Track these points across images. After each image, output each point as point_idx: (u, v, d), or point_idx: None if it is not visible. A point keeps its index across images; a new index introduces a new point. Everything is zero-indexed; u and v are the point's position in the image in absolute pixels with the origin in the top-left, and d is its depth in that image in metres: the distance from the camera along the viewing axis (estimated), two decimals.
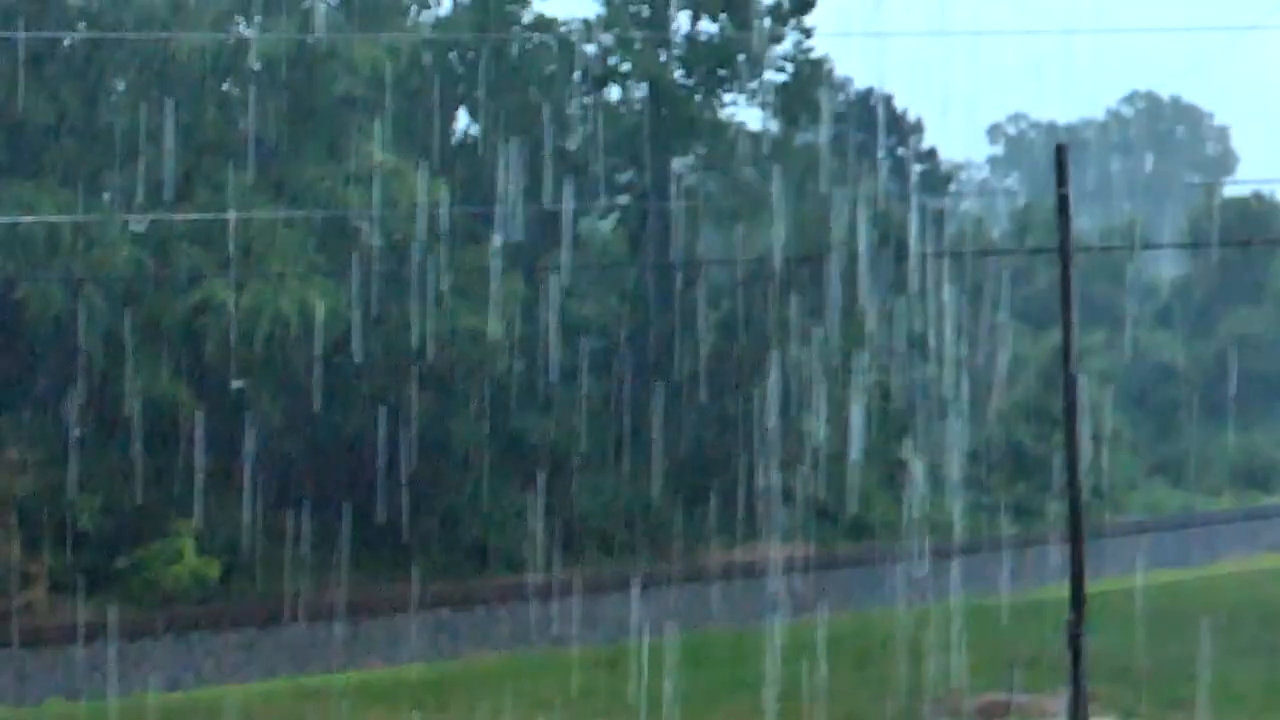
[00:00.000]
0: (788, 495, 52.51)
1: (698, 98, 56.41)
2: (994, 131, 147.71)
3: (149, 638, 39.22)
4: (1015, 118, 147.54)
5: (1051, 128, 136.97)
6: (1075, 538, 22.01)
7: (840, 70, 74.11)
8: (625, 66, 56.20)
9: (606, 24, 55.80)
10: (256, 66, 45.88)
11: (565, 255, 48.75)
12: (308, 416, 45.45)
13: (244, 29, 47.41)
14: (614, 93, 57.08)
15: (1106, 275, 78.42)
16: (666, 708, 30.67)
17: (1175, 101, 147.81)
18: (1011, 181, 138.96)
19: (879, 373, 57.44)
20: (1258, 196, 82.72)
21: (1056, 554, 36.20)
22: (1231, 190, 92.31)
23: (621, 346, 54.29)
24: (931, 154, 75.16)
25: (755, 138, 57.49)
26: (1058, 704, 25.32)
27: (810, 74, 57.99)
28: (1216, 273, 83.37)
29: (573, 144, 53.81)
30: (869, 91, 73.78)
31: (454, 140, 53.66)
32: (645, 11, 56.59)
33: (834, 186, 54.32)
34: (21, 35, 41.32)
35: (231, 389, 44.85)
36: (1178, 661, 33.77)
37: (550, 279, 48.89)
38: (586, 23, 55.52)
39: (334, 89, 46.75)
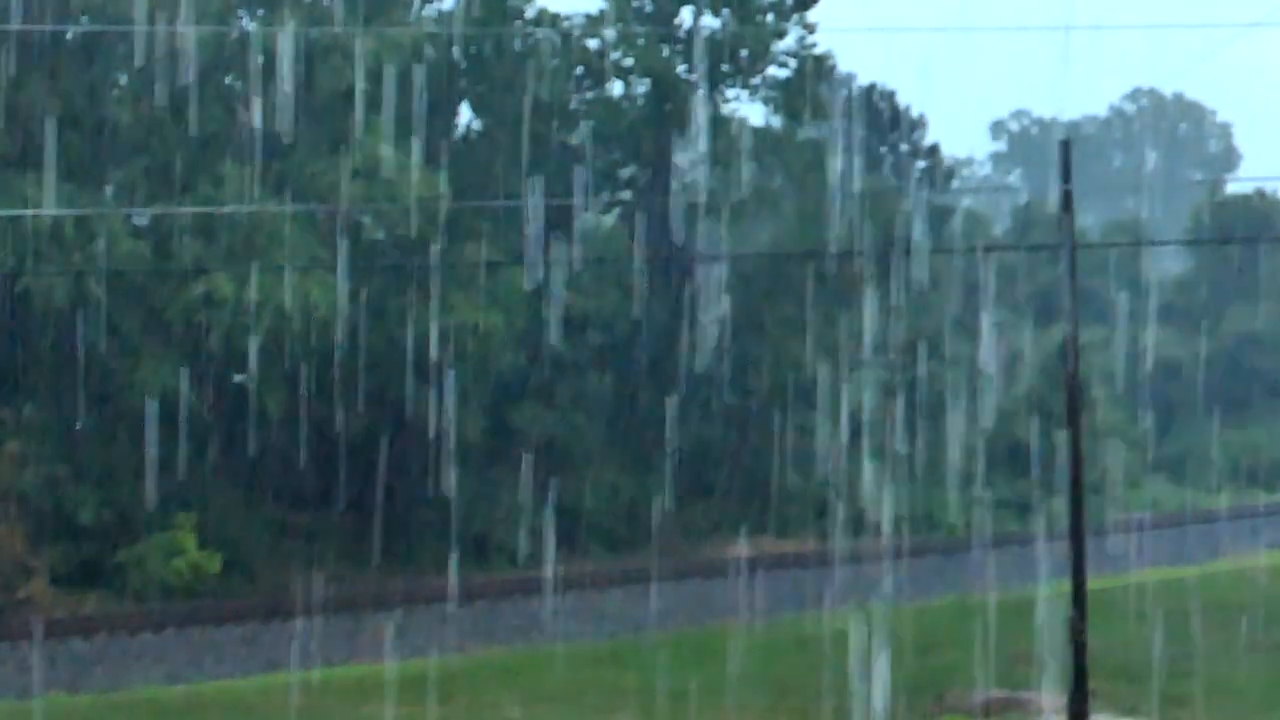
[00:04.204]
0: (789, 491, 52.53)
1: (700, 93, 56.42)
2: (997, 128, 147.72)
3: (150, 631, 39.25)
4: (1018, 114, 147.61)
5: (1054, 124, 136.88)
6: (1077, 535, 22.03)
7: (843, 66, 73.98)
8: (628, 61, 56.21)
9: (609, 19, 55.81)
10: (259, 60, 45.88)
11: (566, 250, 48.73)
12: (309, 410, 45.46)
13: (246, 23, 47.45)
14: (616, 88, 57.13)
15: (1109, 272, 78.38)
16: (666, 704, 30.66)
17: (1178, 98, 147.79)
18: (1014, 178, 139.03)
19: (881, 368, 57.43)
20: (1260, 193, 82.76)
21: (1058, 550, 36.20)
22: (1234, 187, 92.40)
23: (622, 341, 54.32)
24: (934, 150, 75.13)
25: (758, 133, 57.52)
26: (1060, 700, 25.30)
27: (813, 70, 58.00)
28: (1219, 270, 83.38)
29: (575, 138, 53.84)
30: (872, 87, 73.80)
31: (456, 134, 53.67)
32: (648, 7, 56.60)
33: (836, 182, 54.31)
34: (24, 28, 41.31)
35: (233, 382, 44.87)
36: (1178, 658, 33.73)
37: (551, 273, 48.88)
38: (589, 17, 55.55)
39: (336, 83, 46.75)
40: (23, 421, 42.96)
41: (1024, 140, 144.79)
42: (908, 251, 55.52)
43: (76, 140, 44.18)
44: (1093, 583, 22.08)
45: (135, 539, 42.77)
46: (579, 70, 55.08)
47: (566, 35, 54.14)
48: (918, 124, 74.41)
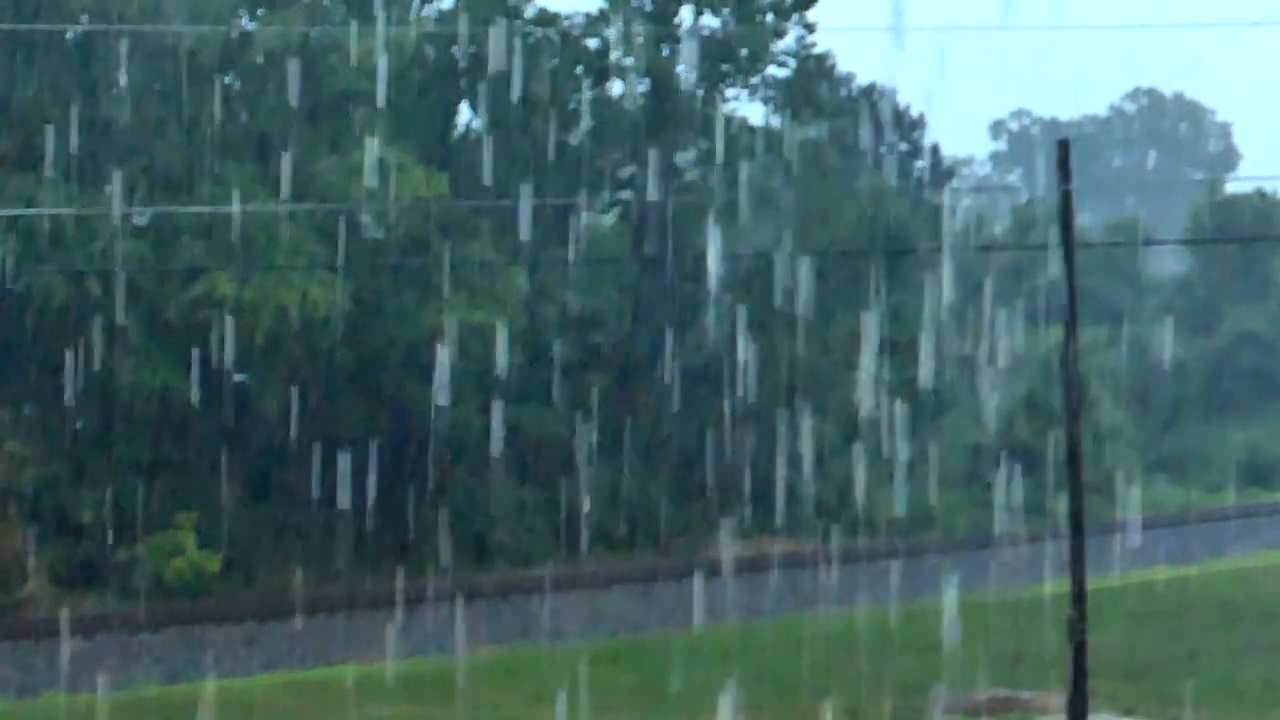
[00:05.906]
0: (790, 490, 52.49)
1: (700, 92, 56.42)
2: (996, 127, 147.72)
3: (149, 631, 39.25)
4: (1018, 114, 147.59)
5: (1054, 124, 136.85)
6: (1076, 534, 22.01)
7: (843, 66, 73.95)
8: (628, 61, 56.20)
9: (609, 18, 55.80)
10: (259, 59, 45.88)
11: (567, 250, 48.75)
12: (309, 410, 45.48)
13: (246, 22, 47.44)
14: (616, 87, 57.12)
15: (1109, 271, 78.39)
16: (665, 704, 30.64)
17: (1178, 98, 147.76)
18: (1014, 177, 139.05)
19: (881, 368, 57.39)
20: (1260, 193, 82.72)
21: (1057, 550, 36.22)
22: (1234, 187, 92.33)
23: (622, 341, 54.30)
24: (934, 150, 75.14)
25: (758, 132, 57.53)
26: (1060, 700, 25.29)
27: (813, 69, 58.01)
28: (1219, 269, 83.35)
29: (574, 138, 53.81)
30: (872, 87, 73.78)
31: (455, 134, 53.65)
32: (648, 6, 56.59)
33: (836, 182, 54.28)
34: (24, 28, 41.31)
35: (233, 382, 44.85)
36: (1179, 658, 33.74)
37: (552, 273, 48.90)
38: (589, 17, 55.54)
39: (336, 82, 46.73)
40: (23, 421, 42.93)
41: (1024, 140, 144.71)
42: (906, 251, 55.52)
43: (77, 140, 44.20)
44: (1093, 582, 22.05)
45: (135, 538, 42.76)
46: (579, 70, 55.05)
47: (566, 35, 54.11)
48: (918, 124, 74.39)
